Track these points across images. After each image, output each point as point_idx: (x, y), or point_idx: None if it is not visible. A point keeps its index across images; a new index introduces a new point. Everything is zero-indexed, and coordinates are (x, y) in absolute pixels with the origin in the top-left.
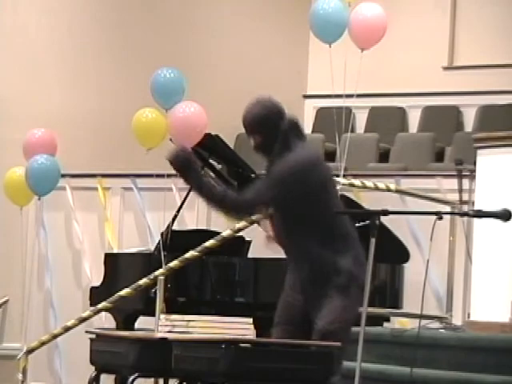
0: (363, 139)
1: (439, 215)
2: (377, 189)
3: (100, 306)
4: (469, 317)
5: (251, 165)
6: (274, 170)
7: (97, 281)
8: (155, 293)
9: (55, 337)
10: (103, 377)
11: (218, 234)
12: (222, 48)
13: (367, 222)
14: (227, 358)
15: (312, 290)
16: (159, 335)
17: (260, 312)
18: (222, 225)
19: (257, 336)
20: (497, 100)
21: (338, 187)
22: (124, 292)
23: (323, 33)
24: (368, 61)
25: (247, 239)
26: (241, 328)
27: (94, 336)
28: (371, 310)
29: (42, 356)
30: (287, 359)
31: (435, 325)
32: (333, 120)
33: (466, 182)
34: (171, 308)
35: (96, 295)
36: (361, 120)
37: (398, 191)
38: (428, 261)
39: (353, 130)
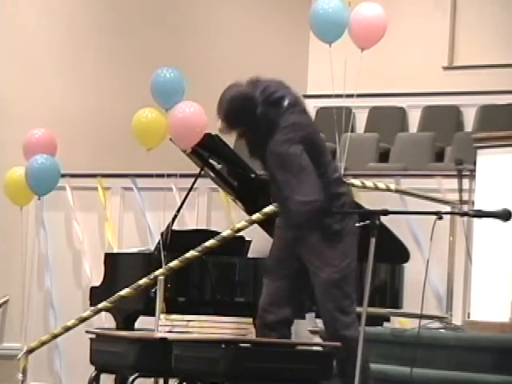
0: (363, 139)
1: (439, 215)
2: (377, 189)
3: (100, 305)
4: (469, 317)
5: (251, 165)
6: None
7: (97, 281)
8: (155, 293)
9: (55, 337)
10: (103, 377)
11: (218, 233)
12: (222, 48)
13: (367, 221)
14: (227, 358)
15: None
16: (159, 335)
17: None
18: (222, 225)
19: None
20: (497, 100)
21: None
22: (124, 292)
23: (323, 33)
24: (368, 61)
25: (247, 239)
26: (241, 328)
27: (94, 336)
28: (371, 309)
29: (42, 356)
30: (287, 359)
31: (435, 325)
32: (333, 120)
33: (466, 182)
34: (171, 308)
35: (96, 295)
36: (361, 120)
37: (397, 191)
38: (428, 261)
39: (353, 130)
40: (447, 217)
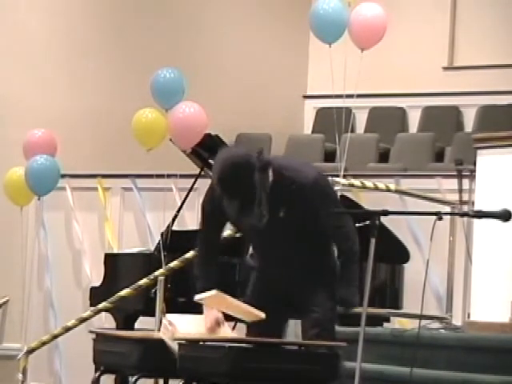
0: (363, 139)
1: (439, 215)
2: (376, 189)
3: (100, 306)
4: (469, 317)
5: None
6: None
7: (97, 281)
8: (155, 293)
9: (55, 337)
10: (103, 377)
11: None
12: (222, 48)
13: (367, 222)
14: (230, 358)
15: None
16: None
17: None
18: None
19: None
20: (497, 100)
21: (338, 187)
22: (124, 292)
23: (323, 33)
24: (368, 61)
25: None
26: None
27: (96, 336)
28: (371, 310)
29: (42, 356)
30: (290, 359)
31: (435, 325)
32: (333, 120)
33: (465, 182)
34: (171, 308)
35: (96, 295)
36: (361, 120)
37: (397, 191)
38: (428, 261)
39: (353, 130)
40: (447, 217)
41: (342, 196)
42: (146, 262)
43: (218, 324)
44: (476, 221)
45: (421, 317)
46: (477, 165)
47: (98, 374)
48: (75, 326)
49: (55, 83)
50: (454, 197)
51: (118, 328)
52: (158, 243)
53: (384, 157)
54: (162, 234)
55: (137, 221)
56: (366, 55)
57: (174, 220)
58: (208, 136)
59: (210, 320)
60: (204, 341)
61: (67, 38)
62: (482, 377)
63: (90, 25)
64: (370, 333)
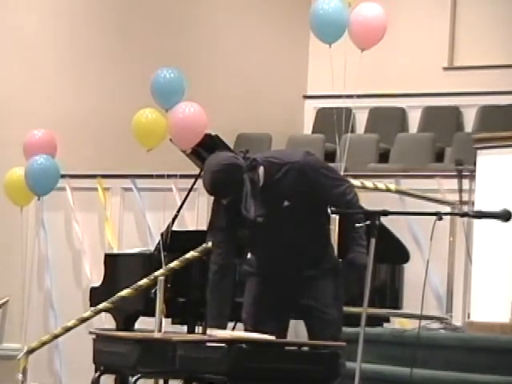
0: (363, 139)
1: (439, 215)
2: (376, 189)
3: (100, 306)
4: (469, 317)
5: None
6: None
7: (97, 281)
8: (155, 293)
9: (56, 337)
10: (103, 377)
11: None
12: (222, 48)
13: (367, 222)
14: (230, 358)
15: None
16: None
17: None
18: None
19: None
20: (497, 100)
21: None
22: (124, 292)
23: (323, 33)
24: (368, 61)
25: None
26: None
27: (97, 336)
28: (371, 310)
29: (42, 356)
30: (290, 359)
31: (435, 325)
32: (333, 120)
33: (465, 183)
34: (171, 308)
35: (96, 295)
36: (361, 120)
37: (397, 191)
38: (428, 261)
39: (353, 131)
40: (447, 217)
41: None
42: (146, 262)
43: None
44: (476, 221)
45: (421, 317)
46: (477, 165)
47: (98, 374)
48: (75, 326)
49: (55, 84)
50: (454, 197)
51: (118, 328)
52: (158, 243)
53: (384, 157)
54: (161, 234)
55: (137, 221)
56: (366, 55)
57: (173, 220)
58: (208, 136)
59: None
60: (204, 341)
61: (67, 39)
62: (481, 377)
63: (90, 25)
64: (370, 333)
